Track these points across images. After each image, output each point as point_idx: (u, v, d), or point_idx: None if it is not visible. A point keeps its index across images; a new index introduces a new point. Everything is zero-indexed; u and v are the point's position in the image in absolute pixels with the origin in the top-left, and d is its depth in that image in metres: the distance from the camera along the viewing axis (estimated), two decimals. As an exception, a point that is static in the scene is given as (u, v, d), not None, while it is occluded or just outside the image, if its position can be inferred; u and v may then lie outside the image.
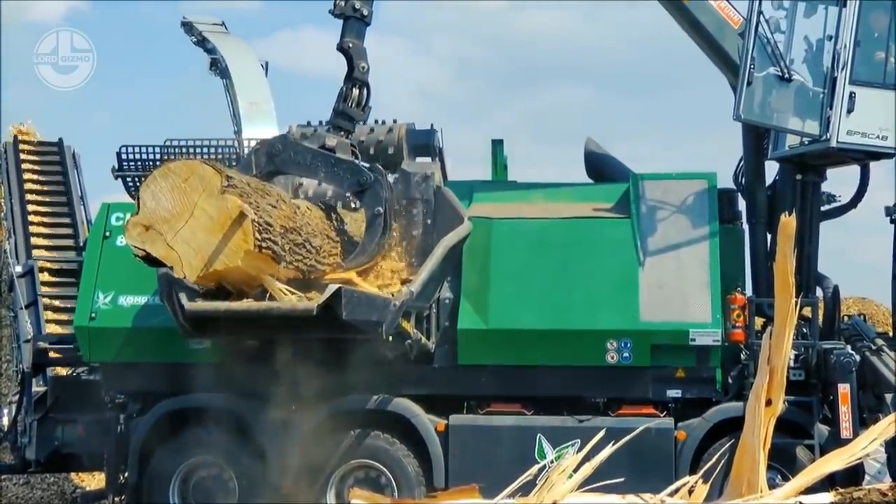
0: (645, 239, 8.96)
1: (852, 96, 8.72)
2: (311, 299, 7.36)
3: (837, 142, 8.76)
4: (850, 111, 8.73)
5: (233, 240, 7.00)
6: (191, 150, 11.06)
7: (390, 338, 8.03)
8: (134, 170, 10.96)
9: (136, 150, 10.99)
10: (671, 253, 8.91)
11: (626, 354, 8.67)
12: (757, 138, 9.47)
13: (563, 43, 37.61)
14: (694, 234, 8.95)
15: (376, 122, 9.16)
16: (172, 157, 10.79)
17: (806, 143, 9.13)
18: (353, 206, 8.76)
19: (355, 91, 8.44)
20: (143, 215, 7.16)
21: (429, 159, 9.28)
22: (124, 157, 10.96)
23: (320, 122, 9.12)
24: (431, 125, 9.26)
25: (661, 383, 8.76)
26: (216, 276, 7.23)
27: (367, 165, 8.34)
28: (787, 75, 8.79)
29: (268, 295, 7.34)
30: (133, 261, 9.08)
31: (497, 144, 10.46)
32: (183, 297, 7.41)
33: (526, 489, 7.30)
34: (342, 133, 8.42)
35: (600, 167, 10.23)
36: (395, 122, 9.16)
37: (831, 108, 8.73)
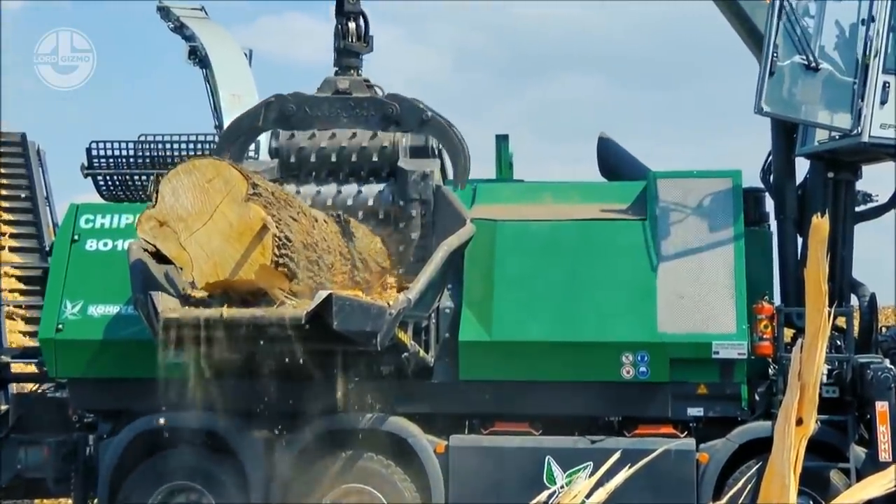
0: (663, 243, 8.95)
1: (886, 86, 8.71)
2: (300, 307, 7.37)
3: (869, 136, 8.74)
4: (883, 102, 8.72)
5: (250, 252, 7.16)
6: (167, 146, 11.09)
7: (385, 350, 7.99)
8: (105, 167, 10.95)
9: (108, 146, 10.99)
10: (692, 258, 8.90)
11: (642, 369, 8.67)
12: (787, 132, 9.46)
13: (569, 30, 37.71)
14: (717, 237, 8.94)
15: None
16: (147, 153, 10.83)
17: (836, 137, 9.11)
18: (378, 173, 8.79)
19: (351, 24, 8.57)
20: (159, 210, 7.29)
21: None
22: (95, 153, 10.96)
23: None
24: (430, 124, 9.24)
25: (682, 401, 8.75)
26: (225, 284, 7.37)
27: (385, 95, 8.48)
28: (813, 64, 8.78)
29: (277, 304, 7.45)
30: (104, 266, 9.24)
31: (502, 140, 10.48)
32: (159, 304, 7.42)
33: (534, 516, 7.27)
34: (351, 72, 8.51)
35: (614, 164, 10.23)
36: None
37: (863, 100, 8.72)
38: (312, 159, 8.98)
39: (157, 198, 7.34)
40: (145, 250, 7.60)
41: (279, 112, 8.46)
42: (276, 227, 7.20)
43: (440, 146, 9.27)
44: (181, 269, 7.39)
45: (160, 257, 7.52)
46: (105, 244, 9.42)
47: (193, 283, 7.40)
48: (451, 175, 9.69)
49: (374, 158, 8.95)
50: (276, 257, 7.19)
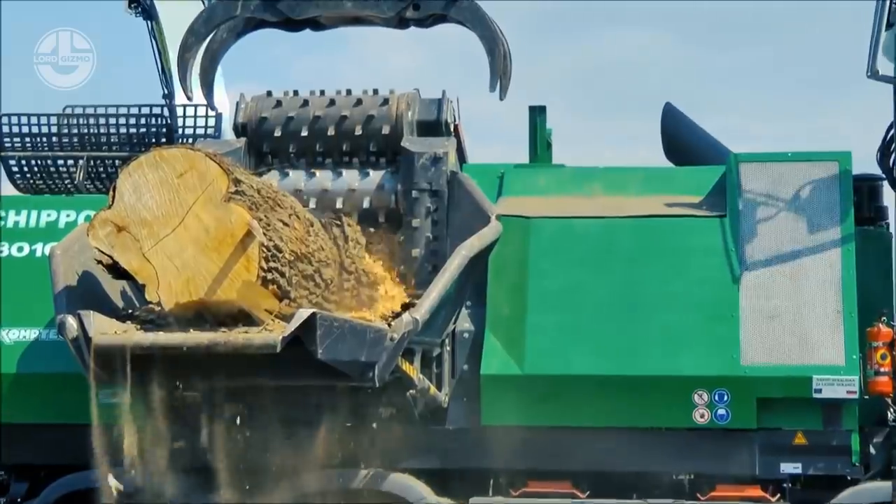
0: (748, 246, 8.96)
1: None
2: (276, 331, 7.37)
3: None
4: None
5: (231, 265, 7.30)
6: (100, 121, 11.12)
7: (385, 386, 8.00)
8: (20, 148, 11.00)
9: (24, 120, 11.04)
10: (786, 266, 8.89)
11: (721, 412, 8.67)
12: (914, 100, 9.46)
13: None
14: (819, 238, 8.93)
15: (365, 91, 9.20)
16: (74, 130, 10.86)
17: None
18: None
19: None
20: (116, 211, 7.41)
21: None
22: (7, 130, 11.01)
23: (286, 93, 9.23)
24: (443, 93, 9.29)
25: (773, 453, 8.77)
26: (199, 305, 7.48)
27: None
28: None
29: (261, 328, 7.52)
30: (18, 278, 9.27)
31: (537, 113, 10.52)
32: (90, 327, 7.41)
33: None
34: None
35: (683, 144, 10.25)
36: (391, 92, 9.19)
37: None
38: (288, 136, 9.01)
39: (113, 196, 7.43)
40: (99, 262, 7.67)
41: None
42: (264, 234, 7.30)
43: (456, 118, 9.24)
44: (144, 285, 7.46)
45: (118, 271, 7.59)
46: (20, 249, 9.46)
47: (160, 304, 7.46)
48: (471, 158, 9.69)
49: (370, 135, 8.98)
50: (264, 272, 7.31)
